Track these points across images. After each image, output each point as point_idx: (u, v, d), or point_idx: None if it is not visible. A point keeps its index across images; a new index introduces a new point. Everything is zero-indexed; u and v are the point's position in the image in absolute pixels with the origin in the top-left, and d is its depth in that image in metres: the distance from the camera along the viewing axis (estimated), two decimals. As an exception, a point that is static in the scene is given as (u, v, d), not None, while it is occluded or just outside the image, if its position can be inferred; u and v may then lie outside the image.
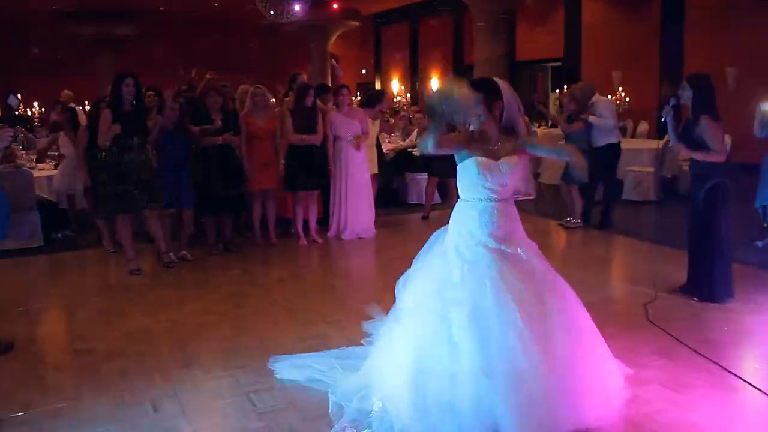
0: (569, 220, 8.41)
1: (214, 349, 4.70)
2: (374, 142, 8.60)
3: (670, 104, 5.59)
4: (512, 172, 3.52)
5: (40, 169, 8.79)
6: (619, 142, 8.51)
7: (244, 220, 8.18)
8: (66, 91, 12.06)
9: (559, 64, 16.79)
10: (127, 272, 6.67)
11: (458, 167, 3.59)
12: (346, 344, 4.48)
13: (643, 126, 13.17)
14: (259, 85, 7.70)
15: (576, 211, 8.36)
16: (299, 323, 5.15)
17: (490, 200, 3.53)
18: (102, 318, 5.44)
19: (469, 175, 3.53)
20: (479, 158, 3.49)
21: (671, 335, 4.68)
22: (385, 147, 10.58)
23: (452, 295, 3.38)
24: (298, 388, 4.02)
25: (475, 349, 3.23)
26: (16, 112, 13.35)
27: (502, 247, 3.50)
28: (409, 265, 3.89)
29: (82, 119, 8.22)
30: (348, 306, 5.54)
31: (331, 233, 8.11)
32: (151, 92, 7.39)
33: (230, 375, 4.25)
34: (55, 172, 8.31)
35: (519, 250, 3.54)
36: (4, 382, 4.28)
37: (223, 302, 5.74)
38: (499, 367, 3.20)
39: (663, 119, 5.67)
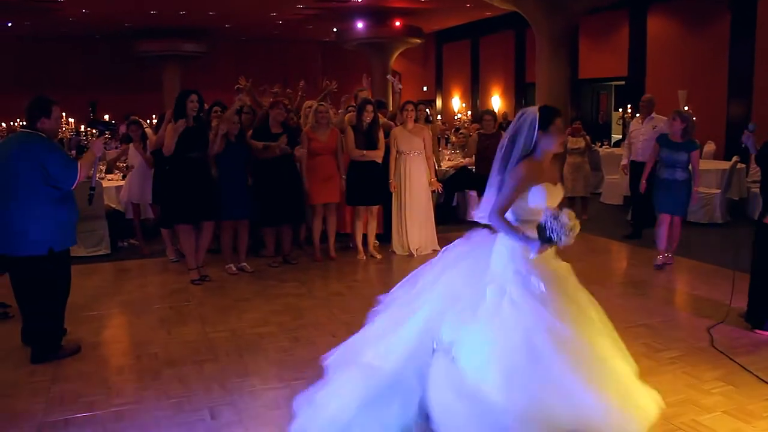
0: (668, 256, 7.41)
1: (271, 359, 4.78)
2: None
3: (750, 129, 5.52)
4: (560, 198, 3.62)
5: (109, 180, 9.10)
6: None
7: (304, 233, 8.30)
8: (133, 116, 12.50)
9: (622, 82, 16.54)
10: (188, 282, 6.84)
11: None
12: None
13: (710, 146, 12.83)
14: (323, 102, 7.84)
15: (672, 245, 7.40)
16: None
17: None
18: (163, 325, 5.59)
19: (535, 201, 3.50)
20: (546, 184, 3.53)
21: (736, 362, 4.54)
22: (445, 164, 10.58)
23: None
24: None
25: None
26: (92, 117, 13.86)
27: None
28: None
29: (147, 132, 8.49)
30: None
31: (393, 249, 8.14)
32: (217, 107, 7.58)
33: (287, 386, 4.30)
34: (123, 182, 8.58)
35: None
36: (72, 382, 4.45)
37: (281, 314, 5.83)
38: None
39: (743, 145, 5.59)
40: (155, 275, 7.35)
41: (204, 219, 6.81)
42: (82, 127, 14.81)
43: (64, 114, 11.47)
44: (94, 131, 6.41)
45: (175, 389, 4.29)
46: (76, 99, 18.57)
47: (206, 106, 7.49)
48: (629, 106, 14.36)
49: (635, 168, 8.77)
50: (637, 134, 8.81)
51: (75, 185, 4.74)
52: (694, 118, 7.46)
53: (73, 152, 10.72)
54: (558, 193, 3.60)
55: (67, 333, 5.14)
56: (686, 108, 12.39)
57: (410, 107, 8.07)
